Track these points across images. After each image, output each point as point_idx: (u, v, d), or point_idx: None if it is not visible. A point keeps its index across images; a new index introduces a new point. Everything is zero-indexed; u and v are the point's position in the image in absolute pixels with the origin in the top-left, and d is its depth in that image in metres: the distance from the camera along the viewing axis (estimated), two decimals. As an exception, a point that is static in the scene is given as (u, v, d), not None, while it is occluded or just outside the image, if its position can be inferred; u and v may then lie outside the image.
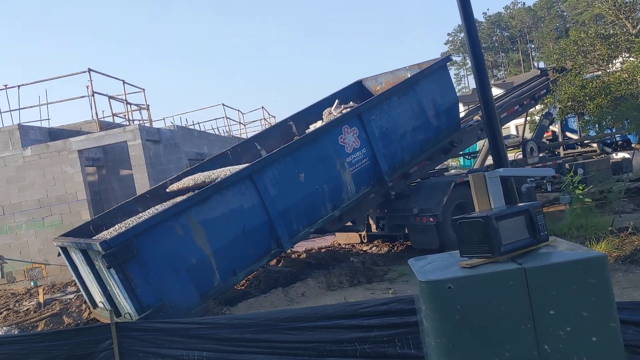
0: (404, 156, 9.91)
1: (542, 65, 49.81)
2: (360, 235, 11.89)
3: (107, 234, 8.31)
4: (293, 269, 10.16)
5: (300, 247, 12.69)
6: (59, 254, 9.08)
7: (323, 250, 11.89)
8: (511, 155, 16.02)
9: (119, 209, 9.47)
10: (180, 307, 7.62)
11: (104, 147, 17.09)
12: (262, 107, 25.81)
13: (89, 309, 9.18)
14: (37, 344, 6.09)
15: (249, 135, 25.33)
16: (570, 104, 11.22)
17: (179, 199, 9.12)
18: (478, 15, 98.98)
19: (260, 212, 8.33)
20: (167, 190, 9.56)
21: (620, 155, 12.92)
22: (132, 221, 8.67)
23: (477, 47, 6.35)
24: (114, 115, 18.44)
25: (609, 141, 13.71)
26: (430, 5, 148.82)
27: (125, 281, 7.27)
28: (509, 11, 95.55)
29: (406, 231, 10.69)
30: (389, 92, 9.61)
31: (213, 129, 24.12)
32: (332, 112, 10.37)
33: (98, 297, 8.66)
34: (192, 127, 22.07)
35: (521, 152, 12.04)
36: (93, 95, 16.20)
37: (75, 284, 12.65)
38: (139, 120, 19.09)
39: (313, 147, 8.86)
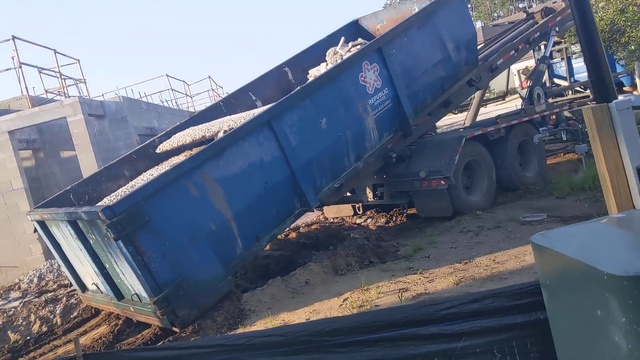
0: (425, 96, 9.17)
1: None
2: (354, 206, 11.01)
3: (107, 201, 7.11)
4: (284, 252, 8.95)
5: None
6: (35, 230, 7.76)
7: (314, 227, 10.64)
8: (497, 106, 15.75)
9: (102, 174, 8.31)
10: (204, 281, 6.65)
11: (39, 126, 15.34)
12: (209, 77, 24.55)
13: (77, 292, 7.94)
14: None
15: (197, 108, 24.04)
16: (605, 33, 10.54)
17: (176, 159, 8.00)
18: None
19: (282, 165, 7.40)
20: (158, 150, 8.39)
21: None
22: (128, 188, 7.50)
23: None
24: (46, 91, 16.68)
25: None
26: None
27: (136, 255, 6.17)
28: None
29: (410, 198, 9.78)
30: (408, 22, 8.79)
31: (161, 102, 22.62)
32: (339, 52, 9.47)
33: (90, 278, 7.50)
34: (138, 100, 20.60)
35: (527, 99, 11.41)
36: (20, 67, 14.47)
37: (17, 288, 11.22)
38: (77, 96, 17.37)
39: (333, 87, 7.96)
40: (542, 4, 12.57)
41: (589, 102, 12.68)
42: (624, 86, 13.19)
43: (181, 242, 6.47)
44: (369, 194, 10.25)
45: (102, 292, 7.52)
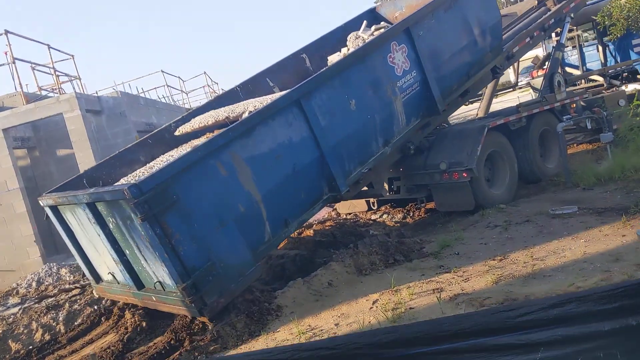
0: (452, 81, 8.90)
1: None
2: (368, 202, 10.61)
3: (125, 181, 6.72)
4: (300, 251, 8.40)
5: None
6: (46, 217, 7.32)
7: (327, 224, 10.18)
8: (507, 97, 15.43)
9: (116, 159, 7.93)
10: (233, 266, 6.26)
11: (34, 123, 14.88)
12: (205, 73, 24.28)
13: (90, 284, 7.50)
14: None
15: (193, 105, 23.69)
16: (634, 14, 10.25)
17: (197, 142, 7.64)
18: None
19: (311, 146, 7.08)
20: (177, 133, 8.03)
21: (632, 86, 12.30)
22: (146, 169, 7.12)
23: None
24: (40, 88, 16.21)
25: (613, 73, 13.20)
26: None
27: (164, 237, 5.76)
28: None
29: (429, 192, 9.42)
30: (435, 3, 8.57)
31: (158, 98, 22.26)
32: (361, 36, 9.21)
33: (107, 267, 7.09)
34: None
35: (546, 87, 11.12)
36: (14, 63, 14.03)
37: (16, 294, 10.72)
38: (74, 92, 16.93)
39: (362, 67, 7.69)
40: None
41: (603, 91, 12.52)
42: (639, 74, 12.96)
43: (210, 224, 6.10)
44: (387, 188, 9.83)
45: (118, 283, 7.10)
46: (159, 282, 6.33)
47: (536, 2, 12.41)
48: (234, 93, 8.81)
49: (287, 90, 7.11)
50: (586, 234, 6.65)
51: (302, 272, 7.38)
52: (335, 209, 11.42)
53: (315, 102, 7.10)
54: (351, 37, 9.49)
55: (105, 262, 7.09)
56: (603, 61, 13.12)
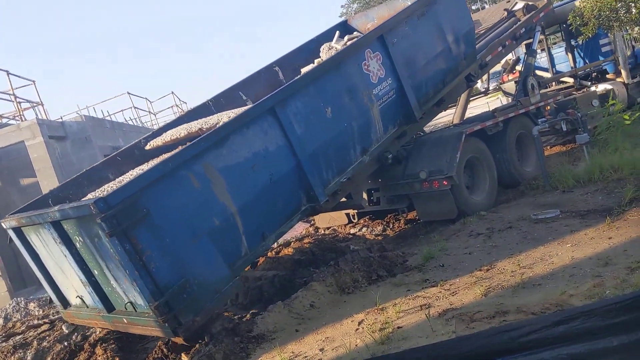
0: (428, 89, 8.79)
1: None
2: (348, 214, 10.35)
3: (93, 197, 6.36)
4: (279, 272, 8.02)
5: None
6: (10, 241, 6.90)
7: (306, 241, 9.72)
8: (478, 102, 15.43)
9: (85, 177, 7.54)
10: (209, 283, 5.91)
11: (-6, 152, 14.37)
12: (172, 93, 23.99)
13: (60, 318, 7.06)
14: None
15: (161, 125, 23.28)
16: (606, 13, 10.30)
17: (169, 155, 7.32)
18: None
19: (287, 155, 6.83)
20: (147, 147, 7.70)
21: (602, 87, 12.44)
22: (115, 184, 6.77)
23: None
24: (0, 116, 15.75)
25: (583, 74, 13.24)
26: None
27: (133, 254, 5.39)
28: None
29: (410, 202, 9.21)
30: (409, 10, 8.50)
31: (124, 120, 21.88)
32: (334, 46, 9.08)
33: (75, 290, 6.69)
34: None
35: (520, 91, 11.16)
36: (-29, 91, 13.62)
37: None
38: (35, 118, 16.43)
39: (337, 74, 7.52)
40: (523, 2, 12.54)
41: (574, 92, 12.57)
42: (608, 74, 13.01)
43: (183, 238, 5.76)
44: (366, 201, 9.64)
45: (87, 307, 6.69)
46: (130, 302, 5.95)
47: (505, 12, 12.57)
48: (206, 107, 8.55)
49: (262, 99, 6.86)
50: (572, 238, 6.53)
51: (282, 294, 7.06)
52: (314, 224, 11.17)
53: (290, 110, 6.88)
54: (324, 47, 9.36)
55: (73, 285, 6.68)
56: (572, 63, 13.20)
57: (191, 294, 5.70)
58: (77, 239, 5.98)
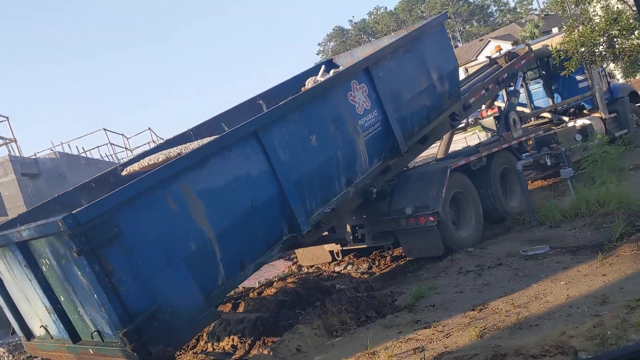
0: (413, 124, 8.76)
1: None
2: (332, 252, 10.08)
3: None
4: (262, 314, 7.57)
5: (250, 281, 10.47)
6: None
7: (289, 280, 9.20)
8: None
9: (56, 202, 7.27)
10: (182, 310, 5.57)
11: (-35, 191, 13.92)
12: (149, 129, 23.81)
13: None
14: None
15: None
16: (586, 48, 10.41)
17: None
18: (344, 23, 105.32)
19: (270, 181, 6.62)
20: (124, 173, 7.45)
21: (580, 122, 12.59)
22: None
23: None
24: (-29, 154, 15.40)
25: (562, 109, 13.40)
26: (296, 20, 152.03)
27: (102, 275, 5.08)
28: (373, 17, 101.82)
29: (395, 238, 8.95)
30: (394, 45, 8.57)
31: (100, 157, 21.64)
32: (319, 80, 9.06)
33: (39, 320, 6.28)
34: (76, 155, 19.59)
35: (503, 126, 11.23)
36: (-62, 129, 13.35)
37: None
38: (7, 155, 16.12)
39: (323, 103, 7.45)
40: (506, 50, 12.89)
41: (553, 128, 12.66)
42: (585, 109, 13.21)
43: (156, 262, 5.44)
44: (350, 234, 9.30)
45: (52, 337, 6.26)
46: (97, 331, 5.57)
47: (488, 60, 12.85)
48: (186, 137, 8.37)
49: (246, 122, 6.71)
50: (565, 275, 6.39)
51: (267, 335, 6.72)
52: (296, 262, 10.89)
53: (274, 135, 6.72)
54: (309, 81, 9.35)
55: (37, 313, 6.27)
56: (550, 98, 13.37)
57: (163, 322, 5.35)
58: (44, 261, 5.63)
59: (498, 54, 12.70)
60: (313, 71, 10.09)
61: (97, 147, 25.89)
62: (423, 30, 9.22)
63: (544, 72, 13.22)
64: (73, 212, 5.16)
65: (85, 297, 5.40)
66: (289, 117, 6.98)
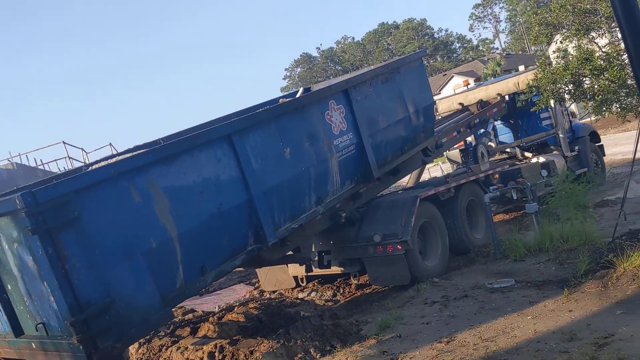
0: (387, 152, 8.82)
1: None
2: (296, 278, 9.87)
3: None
4: (222, 339, 7.17)
5: (210, 305, 10.45)
6: None
7: (251, 305, 8.79)
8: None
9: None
10: (136, 307, 5.36)
11: None
12: (110, 144, 23.48)
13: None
14: None
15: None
16: (558, 86, 10.62)
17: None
18: (312, 50, 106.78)
19: (240, 188, 6.52)
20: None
21: (542, 158, 12.78)
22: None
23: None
24: None
25: (526, 145, 13.61)
26: (263, 46, 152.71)
27: (56, 259, 4.88)
28: (340, 46, 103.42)
29: (362, 266, 8.88)
30: (374, 72, 8.76)
31: (59, 170, 21.24)
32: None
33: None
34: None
35: (470, 158, 11.56)
36: None
37: None
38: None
39: (299, 117, 7.48)
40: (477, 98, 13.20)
41: (517, 162, 12.89)
42: (547, 146, 13.48)
43: (114, 254, 5.24)
44: (316, 254, 9.14)
45: None
46: (42, 324, 5.30)
47: (460, 106, 13.19)
48: (155, 145, 8.20)
49: (220, 124, 6.66)
50: (532, 310, 6.41)
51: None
52: (258, 287, 10.63)
53: (248, 142, 6.66)
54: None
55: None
56: (514, 134, 13.67)
57: (114, 317, 5.13)
58: None
59: (471, 98, 13.07)
60: (291, 95, 10.16)
61: (55, 160, 25.38)
62: (403, 63, 9.48)
63: (508, 108, 13.52)
64: (32, 189, 4.97)
65: (34, 284, 5.16)
66: (264, 126, 6.97)
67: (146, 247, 5.52)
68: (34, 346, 5.44)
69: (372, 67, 10.16)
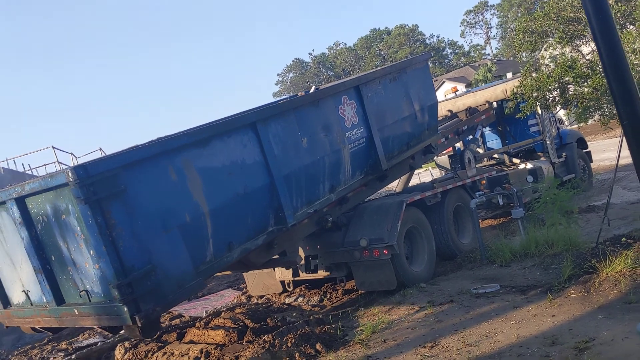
0: (394, 146, 9.44)
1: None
2: (283, 282, 10.01)
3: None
4: (207, 345, 7.39)
5: (198, 310, 10.56)
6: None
7: (238, 311, 8.79)
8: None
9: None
10: (173, 275, 5.88)
11: None
12: (100, 149, 23.43)
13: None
14: None
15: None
16: (540, 93, 10.54)
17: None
18: (304, 56, 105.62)
19: (263, 171, 7.10)
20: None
21: (530, 165, 13.11)
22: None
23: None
24: None
25: (513, 151, 13.92)
26: (255, 51, 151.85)
27: (104, 228, 5.37)
28: (332, 51, 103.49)
29: (349, 270, 8.98)
30: (382, 71, 9.40)
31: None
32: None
33: (21, 284, 6.43)
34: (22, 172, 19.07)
35: (458, 164, 11.66)
36: None
37: None
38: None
39: (316, 110, 8.10)
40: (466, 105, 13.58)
41: (504, 169, 13.21)
42: (535, 152, 13.81)
43: (154, 225, 5.76)
44: (302, 258, 9.17)
45: (32, 303, 6.38)
46: (86, 291, 5.80)
47: (449, 112, 13.56)
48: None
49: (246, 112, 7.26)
50: (515, 315, 6.57)
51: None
52: (246, 292, 10.79)
53: (270, 130, 7.24)
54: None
55: (20, 277, 6.42)
56: (502, 140, 14.07)
57: (155, 282, 5.62)
58: (41, 217, 5.86)
59: (460, 105, 13.44)
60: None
61: (44, 165, 25.32)
62: (410, 63, 10.16)
63: (496, 115, 13.85)
64: (84, 163, 5.49)
65: (79, 253, 5.64)
66: (285, 116, 7.55)
67: (181, 220, 6.02)
68: (77, 312, 5.89)
69: (378, 67, 10.72)
